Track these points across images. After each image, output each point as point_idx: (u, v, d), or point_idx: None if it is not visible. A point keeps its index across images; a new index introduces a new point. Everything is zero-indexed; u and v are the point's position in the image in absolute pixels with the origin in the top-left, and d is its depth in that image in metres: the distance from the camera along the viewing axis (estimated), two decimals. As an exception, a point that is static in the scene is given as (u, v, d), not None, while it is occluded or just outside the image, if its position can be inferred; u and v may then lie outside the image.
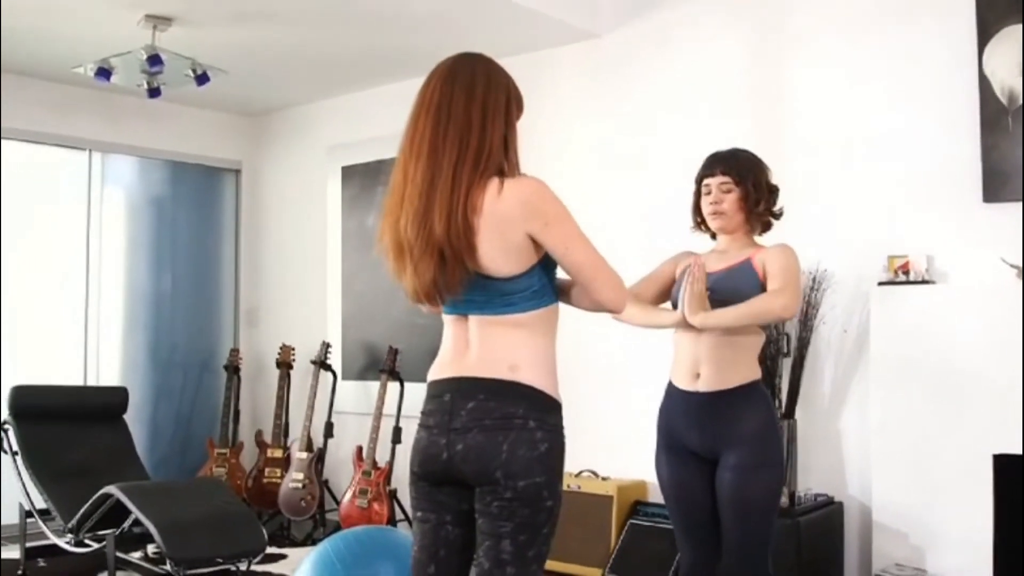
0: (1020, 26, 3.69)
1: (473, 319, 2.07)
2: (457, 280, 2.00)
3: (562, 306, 2.15)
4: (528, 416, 1.99)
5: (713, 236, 3.07)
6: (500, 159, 2.04)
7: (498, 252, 1.99)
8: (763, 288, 2.85)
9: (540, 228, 1.99)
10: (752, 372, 2.89)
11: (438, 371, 2.12)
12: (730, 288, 2.86)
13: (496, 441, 1.97)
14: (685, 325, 2.86)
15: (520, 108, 2.14)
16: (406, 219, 2.01)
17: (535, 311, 2.05)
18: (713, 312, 2.80)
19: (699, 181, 3.03)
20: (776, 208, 3.02)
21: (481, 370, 2.03)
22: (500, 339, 2.04)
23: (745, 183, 2.93)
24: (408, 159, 2.04)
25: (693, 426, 2.89)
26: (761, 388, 2.91)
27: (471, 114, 2.02)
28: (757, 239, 3.03)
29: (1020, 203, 3.68)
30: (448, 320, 2.13)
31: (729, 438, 2.82)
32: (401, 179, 2.05)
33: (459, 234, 1.96)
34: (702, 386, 2.87)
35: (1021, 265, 3.57)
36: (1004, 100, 3.75)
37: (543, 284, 2.07)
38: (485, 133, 2.02)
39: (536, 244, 2.02)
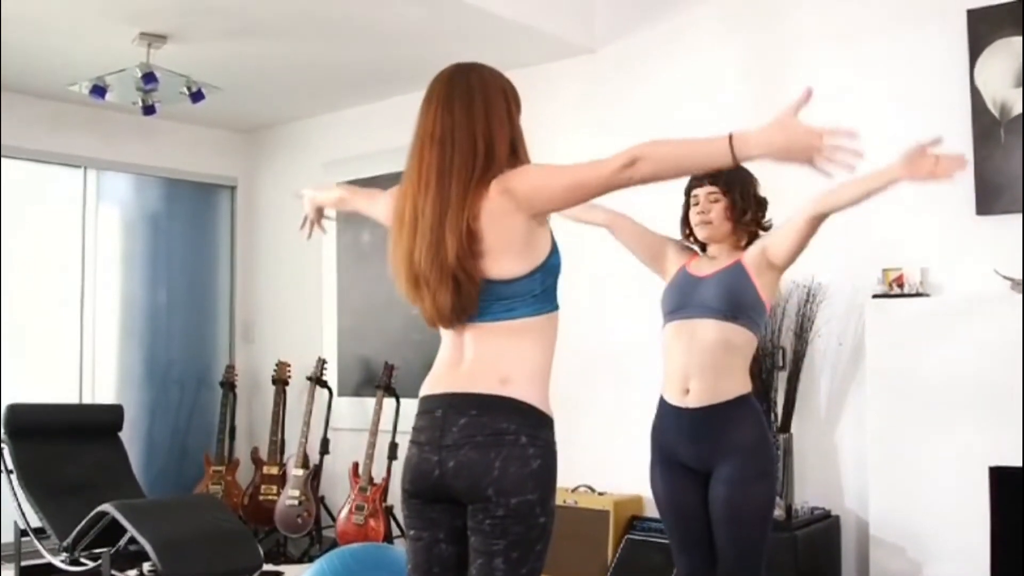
0: (1012, 39, 3.71)
1: (471, 327, 2.06)
2: (474, 299, 2.01)
3: (559, 327, 2.13)
4: (520, 432, 1.98)
5: (703, 248, 3.09)
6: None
7: (503, 249, 2.00)
8: (755, 289, 2.87)
9: (516, 181, 2.00)
10: (742, 385, 2.88)
11: (430, 386, 2.11)
12: (723, 288, 2.88)
13: (488, 458, 1.96)
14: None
15: (518, 106, 2.16)
16: (419, 252, 2.02)
17: (535, 317, 2.05)
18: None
19: (687, 193, 3.06)
20: (765, 220, 3.03)
21: (473, 384, 2.03)
22: (495, 348, 2.04)
23: (732, 193, 2.96)
24: (417, 191, 2.05)
25: (685, 441, 2.89)
26: (751, 401, 2.90)
27: (475, 137, 2.03)
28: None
29: (1013, 215, 3.69)
30: (446, 332, 2.12)
31: (721, 451, 2.83)
32: (412, 213, 2.05)
33: (465, 248, 1.98)
34: (692, 401, 2.87)
35: (1019, 278, 3.57)
36: (996, 112, 3.76)
37: (545, 289, 2.06)
38: (491, 152, 2.04)
39: (540, 226, 2.03)
